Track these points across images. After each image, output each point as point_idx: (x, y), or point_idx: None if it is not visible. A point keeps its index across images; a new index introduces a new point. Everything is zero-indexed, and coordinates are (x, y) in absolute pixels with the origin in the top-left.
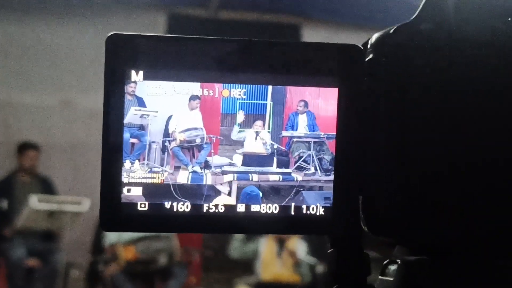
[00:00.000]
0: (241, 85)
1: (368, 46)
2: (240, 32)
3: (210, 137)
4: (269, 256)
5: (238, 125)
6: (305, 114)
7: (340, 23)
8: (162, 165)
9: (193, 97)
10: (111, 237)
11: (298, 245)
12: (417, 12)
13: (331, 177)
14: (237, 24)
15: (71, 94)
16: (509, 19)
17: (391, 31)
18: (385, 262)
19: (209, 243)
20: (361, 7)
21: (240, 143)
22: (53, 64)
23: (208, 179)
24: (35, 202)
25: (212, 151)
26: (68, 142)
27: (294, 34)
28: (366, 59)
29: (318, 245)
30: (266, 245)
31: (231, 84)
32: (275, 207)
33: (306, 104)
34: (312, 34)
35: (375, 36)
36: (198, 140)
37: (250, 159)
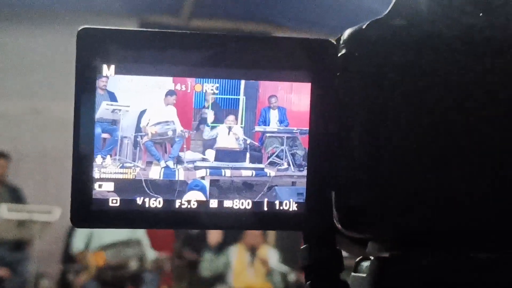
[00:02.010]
0: (214, 79)
1: (341, 42)
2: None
3: (182, 131)
4: (241, 265)
5: (208, 125)
6: (276, 109)
7: (311, 31)
8: (134, 160)
9: (170, 92)
10: (80, 245)
11: (270, 254)
12: (389, 8)
13: (304, 173)
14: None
15: (41, 102)
16: (481, 14)
17: (364, 26)
18: (357, 258)
19: (180, 251)
20: (332, 17)
21: (213, 138)
22: (22, 72)
23: (180, 174)
24: (5, 211)
25: (185, 146)
26: (38, 151)
27: None
28: (339, 54)
29: (290, 253)
30: (237, 254)
31: (204, 79)
32: (248, 203)
33: (276, 100)
34: None
35: (347, 32)
36: (170, 133)
37: (223, 155)
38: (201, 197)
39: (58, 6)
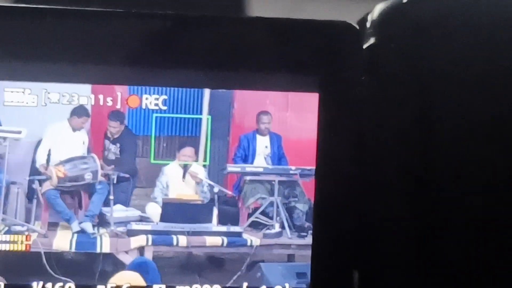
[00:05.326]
0: (159, 88)
1: (368, 25)
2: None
3: (107, 174)
4: None
5: (150, 163)
6: (267, 136)
7: None
8: (28, 221)
9: (78, 111)
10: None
11: None
12: None
13: (309, 240)
14: None
15: None
16: None
17: (404, 0)
18: None
19: None
20: None
21: (159, 184)
22: None
23: (104, 244)
24: None
25: (112, 197)
26: None
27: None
28: (365, 46)
29: None
30: None
31: (143, 87)
32: None
33: (270, 119)
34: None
35: (378, 9)
36: (87, 177)
37: (175, 211)
38: (138, 281)
39: None
